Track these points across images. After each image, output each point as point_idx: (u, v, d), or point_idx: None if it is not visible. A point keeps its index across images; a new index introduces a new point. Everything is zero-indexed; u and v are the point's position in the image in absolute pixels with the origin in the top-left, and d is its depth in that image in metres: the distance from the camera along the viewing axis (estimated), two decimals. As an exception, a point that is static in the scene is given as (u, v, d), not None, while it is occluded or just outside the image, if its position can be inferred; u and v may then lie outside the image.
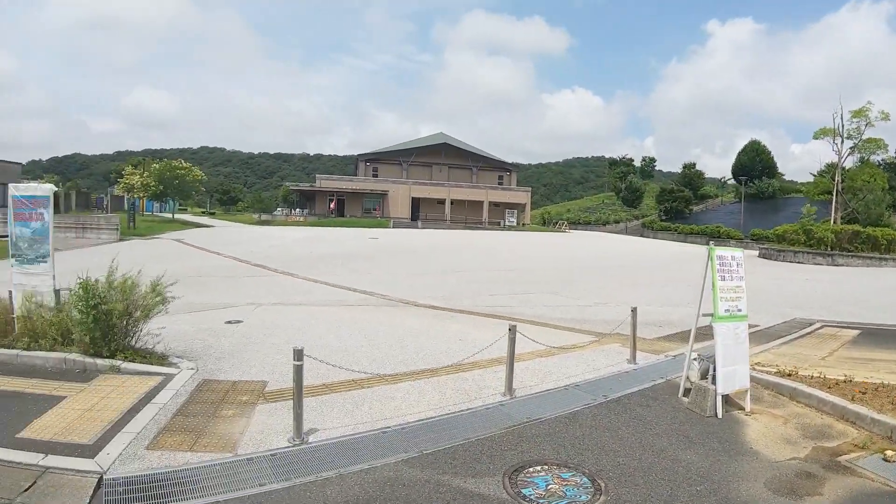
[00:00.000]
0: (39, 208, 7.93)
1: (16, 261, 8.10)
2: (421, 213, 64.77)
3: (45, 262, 7.94)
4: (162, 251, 27.07)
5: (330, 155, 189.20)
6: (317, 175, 72.28)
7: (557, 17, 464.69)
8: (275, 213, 67.66)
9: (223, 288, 15.69)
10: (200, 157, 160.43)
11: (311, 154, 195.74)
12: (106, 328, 7.20)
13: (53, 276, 7.95)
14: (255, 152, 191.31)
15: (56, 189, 7.88)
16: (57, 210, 44.08)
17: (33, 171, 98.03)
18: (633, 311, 8.73)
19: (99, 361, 7.11)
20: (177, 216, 54.92)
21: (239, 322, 10.58)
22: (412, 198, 65.60)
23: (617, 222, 74.19)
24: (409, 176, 69.27)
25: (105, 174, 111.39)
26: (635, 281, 20.08)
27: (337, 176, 75.30)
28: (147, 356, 7.40)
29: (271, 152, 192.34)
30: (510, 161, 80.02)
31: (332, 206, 62.67)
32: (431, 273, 20.33)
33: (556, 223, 71.45)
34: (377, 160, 71.90)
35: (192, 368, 7.18)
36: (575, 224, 74.30)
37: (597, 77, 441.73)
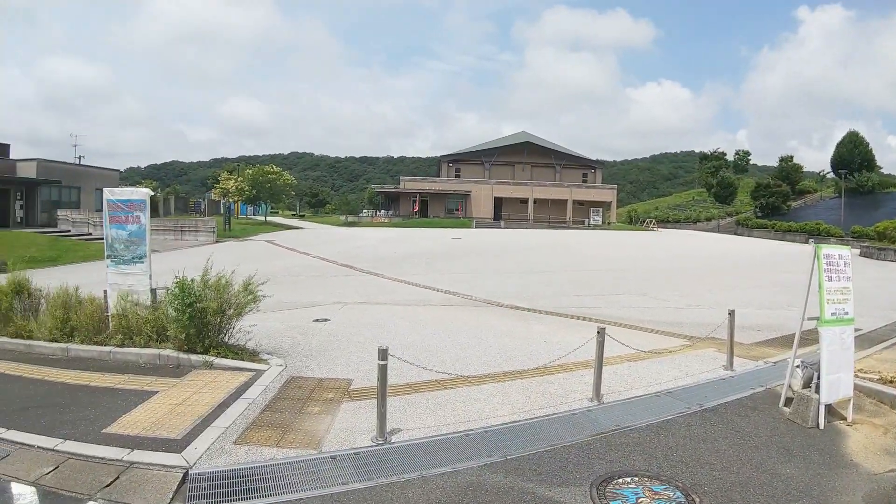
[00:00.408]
0: (136, 211, 8.33)
1: (111, 262, 8.54)
2: (503, 212, 64.44)
3: (142, 262, 8.36)
4: (255, 252, 28.25)
5: (413, 157, 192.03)
6: (401, 177, 73.42)
7: (641, 9, 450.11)
8: (361, 214, 69.31)
9: (311, 287, 16.13)
10: (290, 161, 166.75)
11: (395, 157, 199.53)
12: (200, 325, 7.49)
13: (150, 275, 8.36)
14: (342, 156, 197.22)
15: (153, 193, 8.25)
16: (156, 214, 47.04)
17: (131, 177, 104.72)
18: (731, 314, 8.19)
19: (193, 357, 7.40)
20: (269, 219, 57.34)
21: (326, 320, 10.80)
22: (494, 197, 65.39)
23: (709, 220, 70.99)
24: (492, 176, 69.09)
25: (202, 180, 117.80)
26: (730, 282, 19.03)
27: (420, 177, 76.23)
28: (239, 352, 7.65)
29: (357, 156, 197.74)
30: (594, 158, 78.17)
31: (415, 207, 63.47)
32: (514, 273, 20.10)
33: (644, 221, 69.24)
34: (459, 161, 72.18)
35: (280, 365, 7.35)
36: (664, 222, 71.75)
37: (684, 68, 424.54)
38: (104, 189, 8.80)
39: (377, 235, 39.58)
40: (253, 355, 7.73)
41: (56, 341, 8.18)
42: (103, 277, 8.79)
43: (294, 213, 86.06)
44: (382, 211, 68.34)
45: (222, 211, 51.19)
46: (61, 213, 34.36)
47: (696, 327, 10.89)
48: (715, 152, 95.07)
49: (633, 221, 72.59)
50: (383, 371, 4.97)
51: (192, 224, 35.68)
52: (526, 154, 71.19)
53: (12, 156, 38.45)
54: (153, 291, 8.29)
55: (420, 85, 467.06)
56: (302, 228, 48.97)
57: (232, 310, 7.74)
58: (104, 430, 5.33)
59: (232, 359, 7.44)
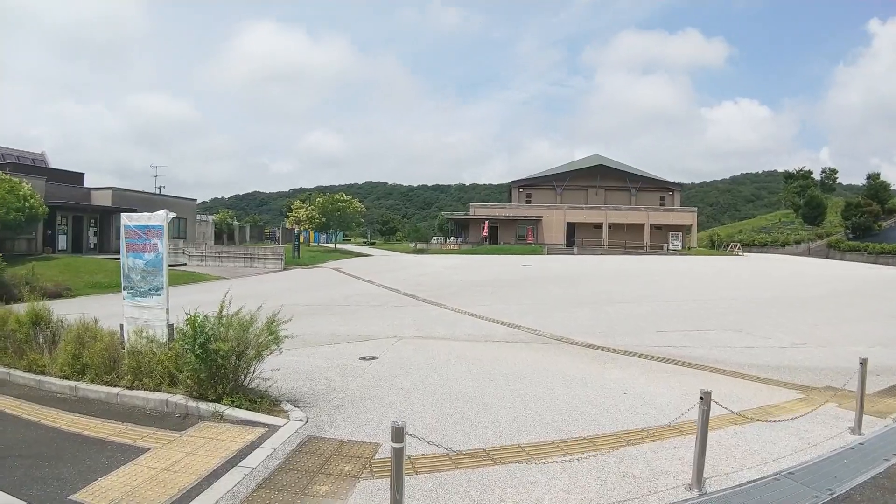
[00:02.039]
0: (153, 238, 7.45)
1: (128, 293, 7.70)
2: (576, 238, 62.17)
3: (159, 294, 7.42)
4: (319, 279, 27.69)
5: (485, 184, 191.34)
6: (470, 203, 72.51)
7: (713, 28, 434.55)
8: (431, 241, 68.71)
9: (369, 318, 15.06)
10: (365, 191, 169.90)
11: (467, 184, 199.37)
12: (213, 369, 6.43)
13: (167, 309, 7.40)
14: (415, 185, 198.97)
15: (173, 215, 7.35)
16: (232, 242, 47.92)
17: (215, 207, 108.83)
18: (862, 363, 6.42)
19: (202, 406, 6.31)
20: (339, 246, 57.49)
21: (373, 359, 9.61)
22: (567, 223, 63.30)
23: (798, 243, 66.02)
24: (564, 200, 67.10)
25: (280, 209, 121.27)
26: (834, 313, 16.60)
27: (490, 203, 75.04)
28: (257, 401, 6.50)
29: (429, 184, 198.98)
30: (672, 181, 74.64)
31: (484, 233, 62.16)
32: (588, 304, 18.36)
33: (728, 245, 65.15)
34: (530, 185, 70.67)
35: (300, 420, 6.13)
36: (748, 246, 67.33)
37: (760, 87, 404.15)
38: (122, 215, 7.98)
39: (444, 263, 38.49)
40: (273, 405, 6.57)
41: (67, 378, 7.37)
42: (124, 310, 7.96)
43: (365, 240, 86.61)
44: (452, 238, 67.44)
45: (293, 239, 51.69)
46: (137, 241, 35.13)
47: (807, 373, 9.03)
48: (801, 171, 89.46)
49: (716, 246, 68.51)
50: (398, 458, 3.52)
51: (261, 252, 35.78)
52: (599, 178, 68.88)
53: (88, 184, 39.98)
54: (170, 327, 7.32)
55: (491, 113, 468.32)
56: (370, 256, 48.60)
57: (252, 351, 6.63)
58: (71, 497, 4.42)
59: (247, 409, 6.30)
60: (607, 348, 10.98)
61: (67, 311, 12.55)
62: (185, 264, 33.63)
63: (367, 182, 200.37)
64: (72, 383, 7.22)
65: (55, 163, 46.02)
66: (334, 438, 5.66)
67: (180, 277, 27.93)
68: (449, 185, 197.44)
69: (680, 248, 60.00)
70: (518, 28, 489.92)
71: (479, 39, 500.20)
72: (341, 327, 13.28)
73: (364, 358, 9.68)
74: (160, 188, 54.39)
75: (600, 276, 29.44)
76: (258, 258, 34.69)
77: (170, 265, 25.47)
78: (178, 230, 42.98)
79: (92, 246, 35.55)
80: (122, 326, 7.67)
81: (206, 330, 6.41)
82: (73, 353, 7.34)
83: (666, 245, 60.19)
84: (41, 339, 8.04)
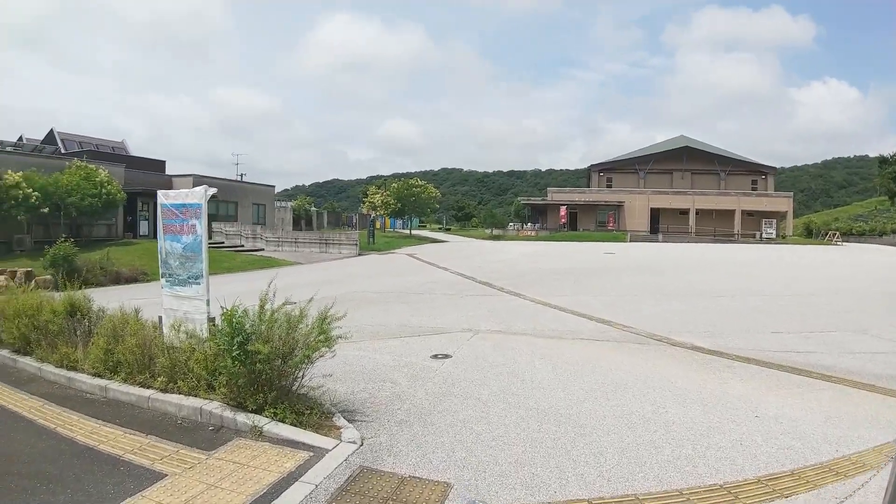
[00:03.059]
0: (191, 219, 6.49)
1: (166, 281, 6.80)
2: (661, 224, 58.95)
3: (199, 283, 6.45)
4: (392, 266, 26.88)
5: (561, 169, 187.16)
6: (548, 188, 70.28)
7: (798, 5, 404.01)
8: (507, 228, 67.11)
9: (443, 307, 13.94)
10: (440, 177, 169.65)
11: (543, 170, 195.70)
12: (254, 374, 5.37)
13: (207, 300, 6.42)
14: (490, 171, 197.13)
15: (214, 191, 6.36)
16: (309, 227, 48.23)
17: (295, 194, 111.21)
18: None
19: (239, 418, 5.27)
20: (414, 232, 56.89)
21: (446, 357, 8.43)
22: (651, 208, 60.17)
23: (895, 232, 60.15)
24: (647, 185, 63.88)
25: (358, 196, 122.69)
26: None
27: (568, 188, 72.53)
28: (305, 412, 5.39)
29: (505, 170, 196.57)
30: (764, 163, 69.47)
31: (562, 219, 59.94)
32: (681, 297, 16.48)
33: (825, 234, 60.11)
34: (611, 169, 67.74)
35: (353, 442, 4.97)
36: (846, 235, 61.84)
37: (851, 66, 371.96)
38: (158, 192, 7.06)
39: (521, 249, 36.95)
40: (323, 418, 5.45)
41: (99, 376, 6.54)
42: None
43: (441, 226, 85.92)
44: (529, 224, 65.55)
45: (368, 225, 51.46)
46: (215, 226, 35.70)
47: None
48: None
49: (813, 234, 63.44)
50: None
51: (337, 237, 35.45)
52: (685, 160, 65.13)
53: (171, 172, 40.97)
54: (212, 321, 6.34)
55: (568, 96, 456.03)
56: (446, 242, 47.66)
57: (299, 352, 5.52)
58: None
59: (291, 423, 5.21)
60: (718, 352, 9.29)
61: (134, 297, 12.14)
62: (263, 249, 33.75)
63: (442, 169, 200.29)
64: (102, 382, 6.41)
65: (146, 153, 47.73)
66: (393, 473, 4.43)
67: (255, 262, 27.85)
68: (524, 171, 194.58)
69: (774, 236, 55.81)
70: (594, 6, 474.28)
71: (553, 20, 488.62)
72: (413, 318, 12.22)
73: (436, 356, 8.52)
74: (241, 175, 55.41)
75: (691, 265, 27.16)
76: (333, 244, 34.39)
77: (247, 250, 25.52)
78: (258, 216, 43.49)
79: (174, 231, 36.27)
80: (160, 319, 6.78)
81: (246, 328, 5.35)
82: (105, 347, 6.51)
83: (759, 233, 56.13)
84: (78, 332, 7.29)
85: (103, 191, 27.25)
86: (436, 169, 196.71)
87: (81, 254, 20.11)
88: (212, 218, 37.87)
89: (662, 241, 50.87)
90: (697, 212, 59.09)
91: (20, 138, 39.02)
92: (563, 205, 61.09)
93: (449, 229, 79.66)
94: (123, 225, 33.11)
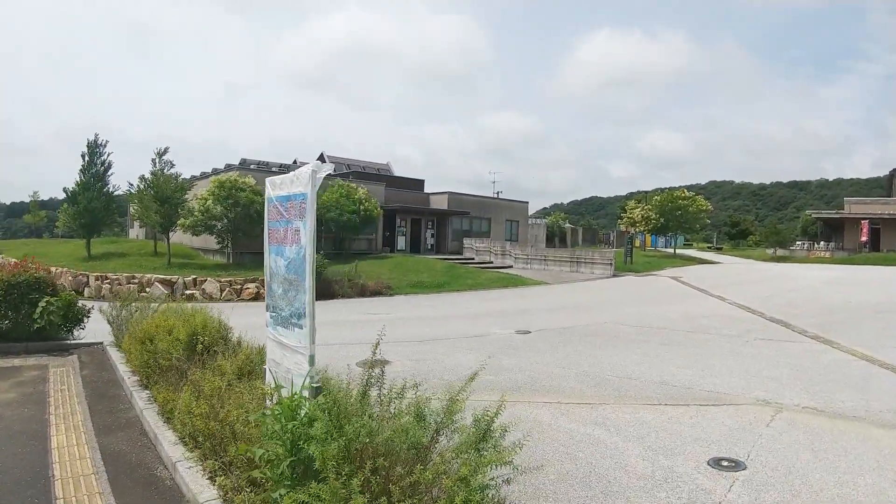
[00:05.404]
0: (294, 220, 4.29)
1: (270, 317, 4.70)
2: None
3: (301, 325, 4.15)
4: (653, 290, 23.33)
5: (851, 178, 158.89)
6: (845, 199, 58.35)
7: None
8: (792, 247, 57.11)
9: (721, 356, 10.50)
10: (708, 191, 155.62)
11: (831, 179, 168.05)
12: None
13: (311, 354, 4.02)
14: (766, 182, 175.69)
15: (330, 170, 4.04)
16: (563, 244, 46.06)
17: (555, 212, 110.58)
18: None
19: None
20: (679, 251, 51.27)
21: (736, 467, 5.26)
22: None
23: None
24: None
25: (616, 212, 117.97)
26: None
27: (871, 199, 59.29)
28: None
29: (784, 181, 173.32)
30: None
31: (863, 236, 48.47)
32: None
33: None
34: (936, 175, 53.62)
35: None
36: None
37: None
38: (266, 180, 4.91)
39: (817, 275, 29.97)
40: None
41: (184, 443, 4.86)
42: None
43: (710, 245, 77.34)
44: (822, 243, 54.88)
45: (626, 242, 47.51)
46: (467, 242, 35.65)
47: None
48: None
49: None
50: None
51: (589, 256, 32.71)
52: None
53: (428, 190, 42.64)
54: (315, 390, 3.87)
55: (853, 93, 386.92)
56: (718, 263, 41.72)
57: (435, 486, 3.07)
58: None
59: None
60: None
61: (372, 310, 11.08)
62: (511, 266, 32.59)
63: (710, 181, 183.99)
64: (176, 454, 4.69)
65: (422, 176, 50.91)
66: None
67: (500, 280, 26.53)
68: (809, 182, 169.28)
69: None
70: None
71: (824, 8, 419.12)
72: (679, 371, 9.12)
73: (719, 462, 5.32)
74: (498, 193, 55.55)
75: None
76: (585, 262, 31.74)
77: (495, 267, 23.95)
78: (510, 232, 42.83)
79: (429, 247, 37.43)
80: (264, 372, 4.89)
81: (342, 417, 3.07)
82: (188, 403, 4.77)
83: None
84: (189, 371, 5.66)
85: (361, 207, 28.64)
86: (703, 182, 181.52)
87: (335, 266, 20.65)
88: (465, 234, 38.03)
89: None
90: None
91: (294, 161, 43.49)
92: (865, 218, 49.65)
93: (720, 248, 71.14)
94: (382, 239, 34.79)
